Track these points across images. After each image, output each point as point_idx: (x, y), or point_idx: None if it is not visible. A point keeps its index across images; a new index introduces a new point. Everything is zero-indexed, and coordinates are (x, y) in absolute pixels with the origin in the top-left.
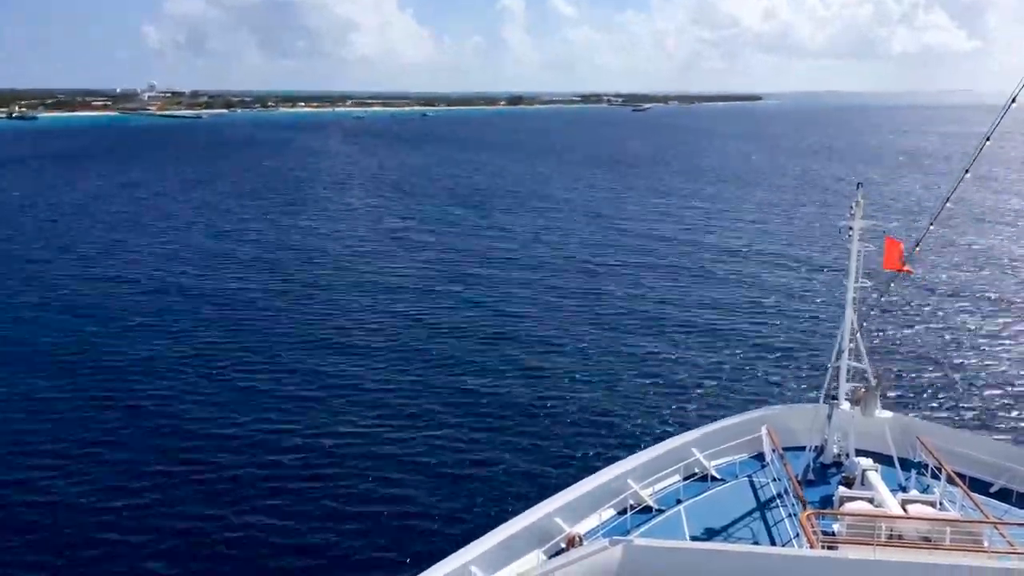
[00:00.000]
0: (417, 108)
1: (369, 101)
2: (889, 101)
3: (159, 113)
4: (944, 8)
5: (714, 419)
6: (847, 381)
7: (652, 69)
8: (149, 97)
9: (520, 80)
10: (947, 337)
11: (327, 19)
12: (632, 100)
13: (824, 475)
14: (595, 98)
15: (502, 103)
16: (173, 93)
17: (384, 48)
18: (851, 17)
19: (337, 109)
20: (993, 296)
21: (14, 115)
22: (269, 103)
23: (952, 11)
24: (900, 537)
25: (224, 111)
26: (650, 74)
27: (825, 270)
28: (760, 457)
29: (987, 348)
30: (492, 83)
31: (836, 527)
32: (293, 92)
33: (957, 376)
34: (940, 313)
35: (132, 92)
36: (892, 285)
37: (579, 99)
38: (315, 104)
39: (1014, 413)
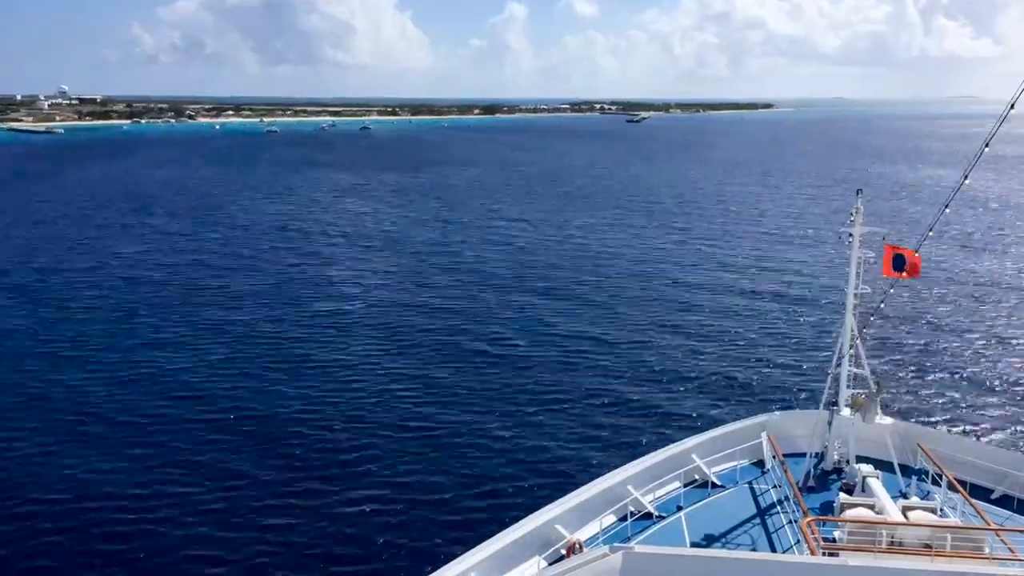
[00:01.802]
0: (362, 118)
1: (332, 108)
2: (893, 110)
3: (7, 128)
4: (957, 13)
5: (714, 425)
6: (847, 387)
7: (654, 75)
8: (51, 105)
9: (517, 86)
10: (947, 343)
11: (321, 24)
12: (629, 108)
13: (825, 482)
14: (587, 106)
15: (476, 112)
16: (81, 100)
17: (379, 54)
18: (861, 22)
19: (266, 119)
20: (993, 301)
21: None
22: (188, 112)
23: (965, 16)
24: (901, 544)
25: (124, 123)
26: (652, 80)
27: (825, 276)
28: (760, 464)
29: (988, 354)
30: (490, 89)
31: (837, 534)
32: (266, 99)
33: (958, 382)
34: (940, 319)
35: (33, 98)
36: (892, 291)
37: (568, 107)
38: (247, 112)
39: (1015, 419)
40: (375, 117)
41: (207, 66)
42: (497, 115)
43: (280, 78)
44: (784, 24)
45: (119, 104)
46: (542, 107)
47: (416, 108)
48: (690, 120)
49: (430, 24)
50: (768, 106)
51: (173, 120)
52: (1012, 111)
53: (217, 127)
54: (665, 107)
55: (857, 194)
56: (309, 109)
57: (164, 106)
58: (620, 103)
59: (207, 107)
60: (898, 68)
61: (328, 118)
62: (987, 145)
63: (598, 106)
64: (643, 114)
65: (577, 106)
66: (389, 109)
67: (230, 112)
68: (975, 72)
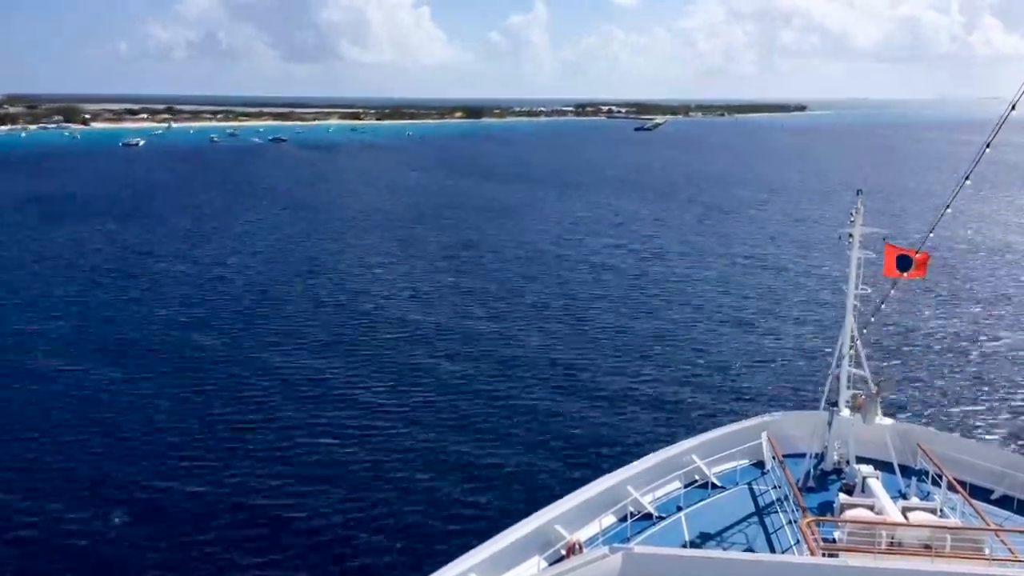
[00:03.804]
0: (282, 124)
1: (302, 109)
2: (909, 111)
3: None
4: (1002, 11)
5: (715, 426)
6: (847, 388)
7: (673, 73)
8: None
9: (536, 84)
10: (947, 344)
11: (335, 20)
12: (642, 110)
13: (824, 482)
14: (592, 108)
15: (458, 115)
16: None
17: (394, 50)
18: (889, 19)
19: (174, 125)
20: (993, 302)
21: None
22: (86, 115)
23: (999, 13)
24: (901, 544)
25: None
26: (671, 78)
27: (825, 277)
28: (760, 464)
29: (987, 354)
30: (509, 87)
31: (837, 534)
32: (261, 99)
33: (958, 383)
34: (940, 320)
35: None
36: (892, 292)
37: (571, 109)
38: (161, 117)
39: (1015, 420)
40: (335, 122)
41: (219, 63)
42: (484, 119)
43: (288, 76)
44: (819, 18)
45: (20, 104)
46: (539, 108)
47: (381, 114)
48: (714, 126)
49: (448, 20)
50: (801, 108)
51: (53, 127)
52: (1013, 112)
53: (78, 136)
54: (684, 109)
55: (857, 194)
56: (268, 111)
57: (57, 103)
58: (632, 104)
59: (115, 109)
60: (934, 66)
61: (231, 123)
62: (988, 146)
63: (605, 108)
64: (657, 119)
65: (582, 108)
66: (352, 113)
67: (144, 116)
68: (1011, 70)
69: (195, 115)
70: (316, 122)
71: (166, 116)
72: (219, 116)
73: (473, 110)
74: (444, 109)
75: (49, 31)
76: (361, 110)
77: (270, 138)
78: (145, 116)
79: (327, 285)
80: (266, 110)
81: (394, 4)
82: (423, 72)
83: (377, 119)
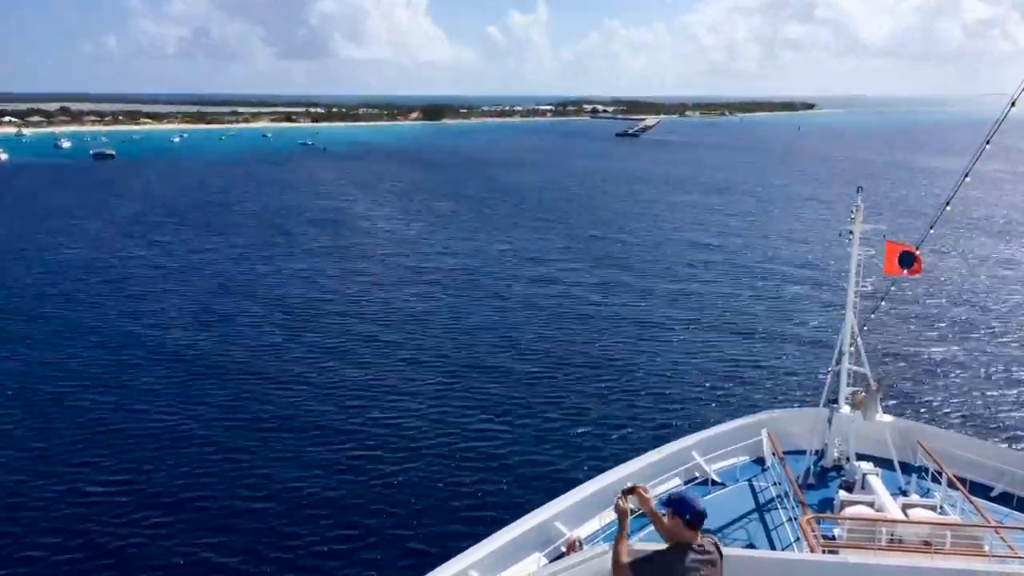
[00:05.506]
0: (166, 127)
1: (266, 108)
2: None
3: None
4: (1013, 3)
5: (715, 423)
6: (847, 385)
7: (673, 70)
8: None
9: (534, 84)
10: (948, 341)
11: (329, 16)
12: (632, 109)
13: (824, 479)
14: (575, 107)
15: (415, 115)
16: None
17: (392, 48)
18: (890, 14)
19: (26, 131)
20: (994, 299)
21: None
22: None
23: (1020, 7)
24: (901, 541)
25: None
26: (673, 77)
27: (826, 274)
28: (760, 461)
29: (988, 351)
30: (509, 85)
31: (836, 531)
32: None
33: (958, 380)
34: (941, 317)
35: None
36: (893, 289)
37: (550, 108)
38: (19, 122)
39: (1015, 417)
40: (267, 124)
41: (217, 62)
42: (445, 120)
43: (284, 73)
44: (829, 12)
45: None
46: (515, 108)
47: (334, 115)
48: (715, 129)
49: (447, 17)
50: (809, 106)
51: None
52: (1013, 109)
53: None
54: (680, 108)
55: (858, 191)
56: (185, 112)
57: None
58: (621, 103)
59: None
60: (944, 62)
61: (122, 127)
62: (988, 142)
63: (589, 107)
64: (648, 120)
65: (563, 107)
66: (285, 114)
67: (39, 117)
68: (1019, 66)
69: (75, 117)
70: (238, 125)
71: (19, 121)
72: (107, 119)
73: (431, 111)
74: (399, 109)
75: (45, 29)
76: (294, 111)
77: (93, 152)
78: (9, 120)
79: None
80: (205, 109)
81: (392, 4)
82: (420, 69)
83: (313, 120)
